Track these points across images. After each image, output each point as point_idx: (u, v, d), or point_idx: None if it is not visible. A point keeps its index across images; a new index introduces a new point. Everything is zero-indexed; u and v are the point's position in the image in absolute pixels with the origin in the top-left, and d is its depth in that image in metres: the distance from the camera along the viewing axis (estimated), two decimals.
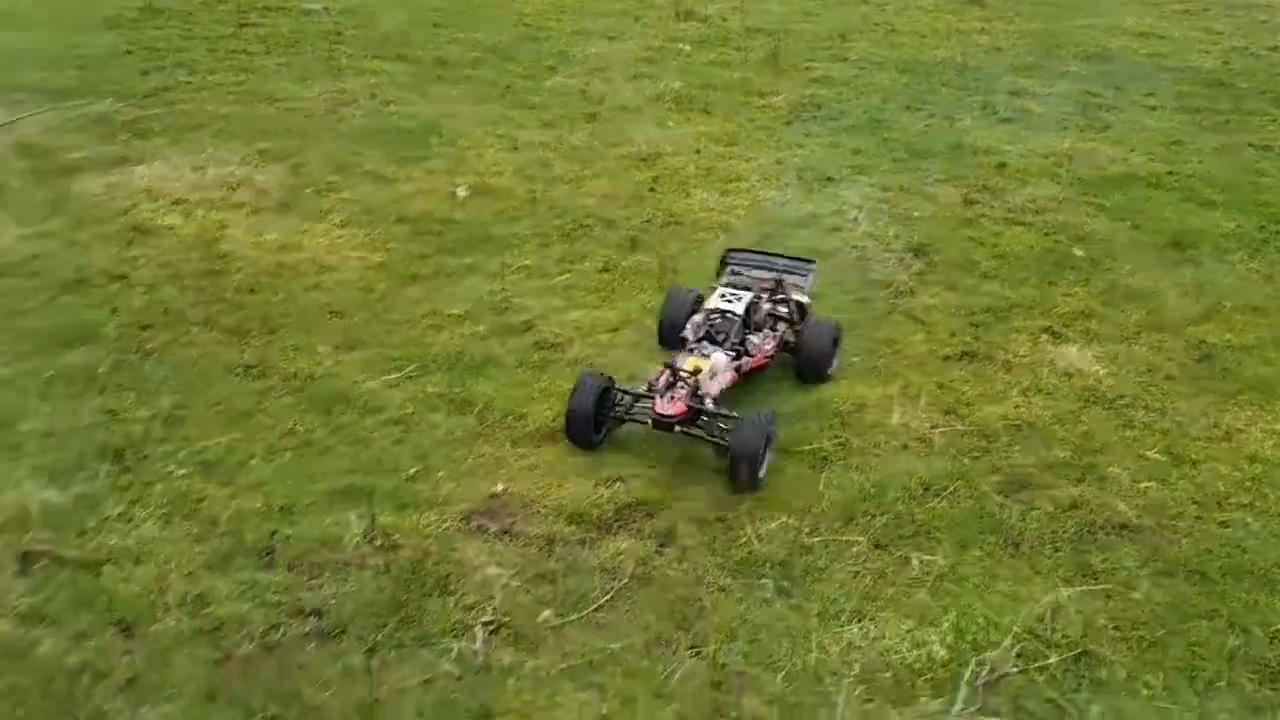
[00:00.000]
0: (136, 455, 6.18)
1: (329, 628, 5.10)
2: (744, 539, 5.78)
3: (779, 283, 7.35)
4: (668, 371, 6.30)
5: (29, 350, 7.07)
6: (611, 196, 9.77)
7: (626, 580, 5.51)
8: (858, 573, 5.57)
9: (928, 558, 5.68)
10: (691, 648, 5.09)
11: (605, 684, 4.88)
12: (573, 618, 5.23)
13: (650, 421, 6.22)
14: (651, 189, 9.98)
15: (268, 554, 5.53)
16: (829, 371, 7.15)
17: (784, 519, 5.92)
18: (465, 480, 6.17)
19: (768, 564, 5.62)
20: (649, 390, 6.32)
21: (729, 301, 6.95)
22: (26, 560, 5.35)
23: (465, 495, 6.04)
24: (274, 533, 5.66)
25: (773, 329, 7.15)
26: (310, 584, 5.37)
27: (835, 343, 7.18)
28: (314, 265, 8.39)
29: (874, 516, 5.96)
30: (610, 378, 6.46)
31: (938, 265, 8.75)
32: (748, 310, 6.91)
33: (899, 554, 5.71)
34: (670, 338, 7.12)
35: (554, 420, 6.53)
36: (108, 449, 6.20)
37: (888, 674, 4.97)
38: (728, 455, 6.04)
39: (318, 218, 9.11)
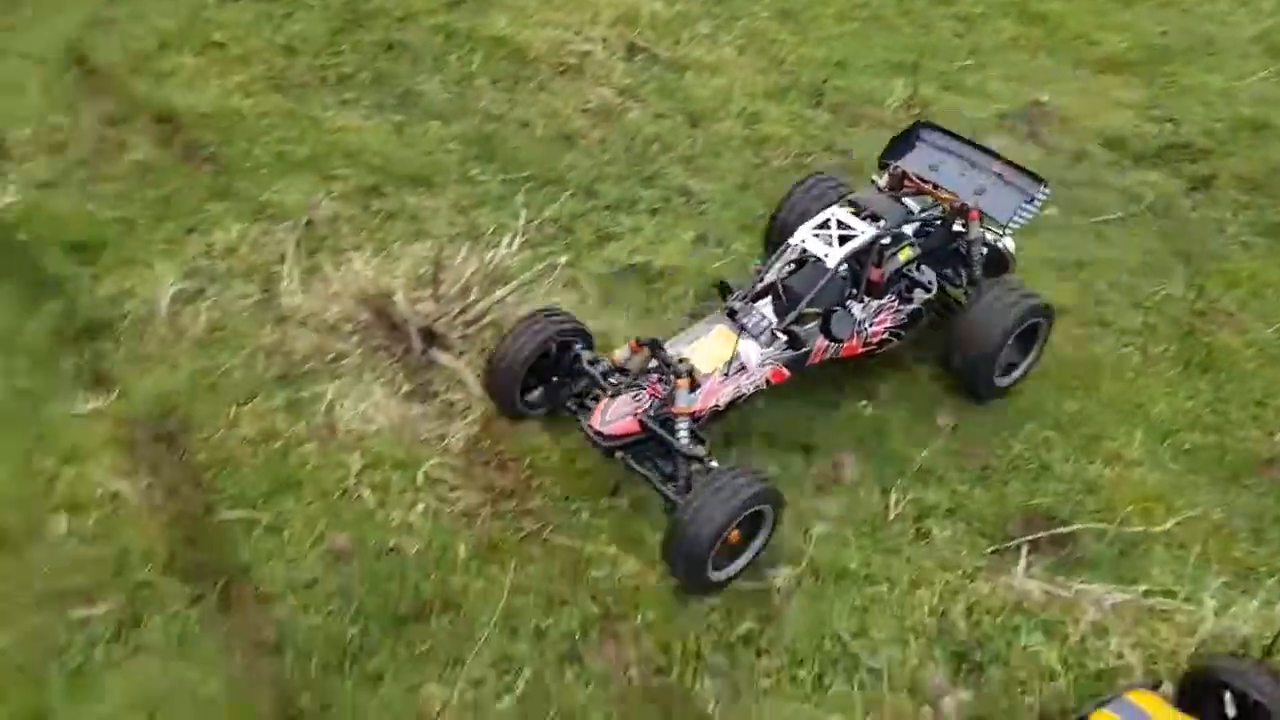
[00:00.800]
0: None
1: (853, 165, 5.68)
2: None
3: (963, 209, 4.30)
4: (644, 351, 3.88)
5: None
6: None
7: (1141, 209, 5.48)
8: None
9: None
10: (1187, 281, 5.07)
11: (1090, 280, 5.05)
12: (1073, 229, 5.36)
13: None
14: None
15: (818, 96, 6.15)
16: (1002, 382, 4.23)
17: None
18: (1013, 83, 6.29)
19: None
20: (614, 371, 3.92)
21: (826, 240, 4.05)
22: (631, 51, 6.41)
23: (1009, 96, 6.18)
24: (826, 80, 6.24)
25: (904, 294, 4.19)
26: (846, 130, 5.96)
27: (1032, 335, 4.22)
28: None
29: None
30: (577, 328, 4.03)
31: None
32: (857, 259, 4.05)
33: None
34: (777, 246, 4.32)
35: (1127, 50, 6.32)
36: None
37: None
38: (670, 522, 3.61)
39: None
